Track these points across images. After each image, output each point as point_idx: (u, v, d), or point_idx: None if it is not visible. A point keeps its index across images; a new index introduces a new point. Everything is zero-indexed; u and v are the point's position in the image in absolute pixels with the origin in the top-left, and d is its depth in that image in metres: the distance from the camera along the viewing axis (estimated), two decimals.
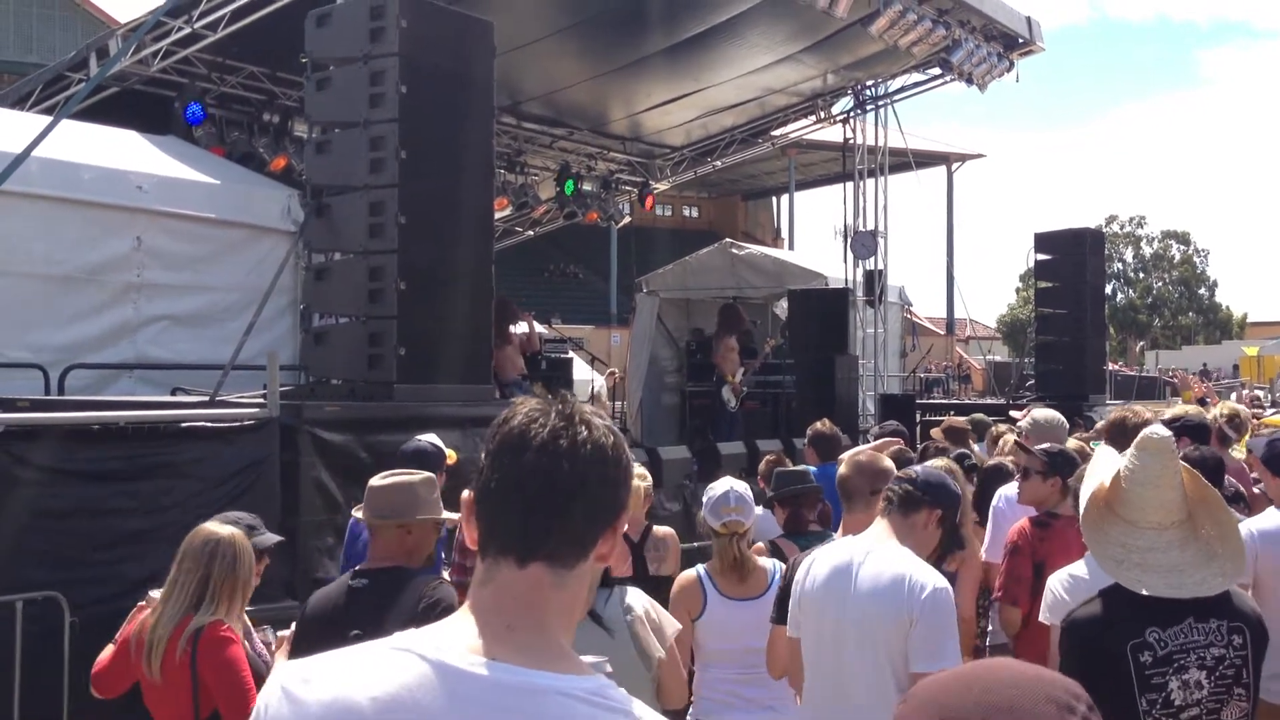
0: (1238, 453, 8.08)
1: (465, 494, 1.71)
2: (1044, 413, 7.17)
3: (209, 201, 10.53)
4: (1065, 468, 5.55)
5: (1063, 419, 7.06)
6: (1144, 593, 3.24)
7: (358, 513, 4.67)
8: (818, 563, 4.10)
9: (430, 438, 6.50)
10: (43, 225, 9.57)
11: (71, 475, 6.84)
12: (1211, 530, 3.36)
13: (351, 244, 8.70)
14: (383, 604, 4.00)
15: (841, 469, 4.96)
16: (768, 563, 5.15)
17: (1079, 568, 4.27)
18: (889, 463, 5.03)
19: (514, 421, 1.65)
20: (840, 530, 4.80)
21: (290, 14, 10.54)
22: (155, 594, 4.55)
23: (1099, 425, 6.25)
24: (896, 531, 4.01)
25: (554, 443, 1.62)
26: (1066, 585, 4.22)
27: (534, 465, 1.61)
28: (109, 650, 4.60)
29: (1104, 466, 3.58)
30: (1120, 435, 5.36)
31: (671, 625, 4.20)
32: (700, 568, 5.12)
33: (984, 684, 1.38)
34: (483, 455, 1.67)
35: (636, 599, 4.13)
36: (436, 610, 4.00)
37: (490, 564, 1.61)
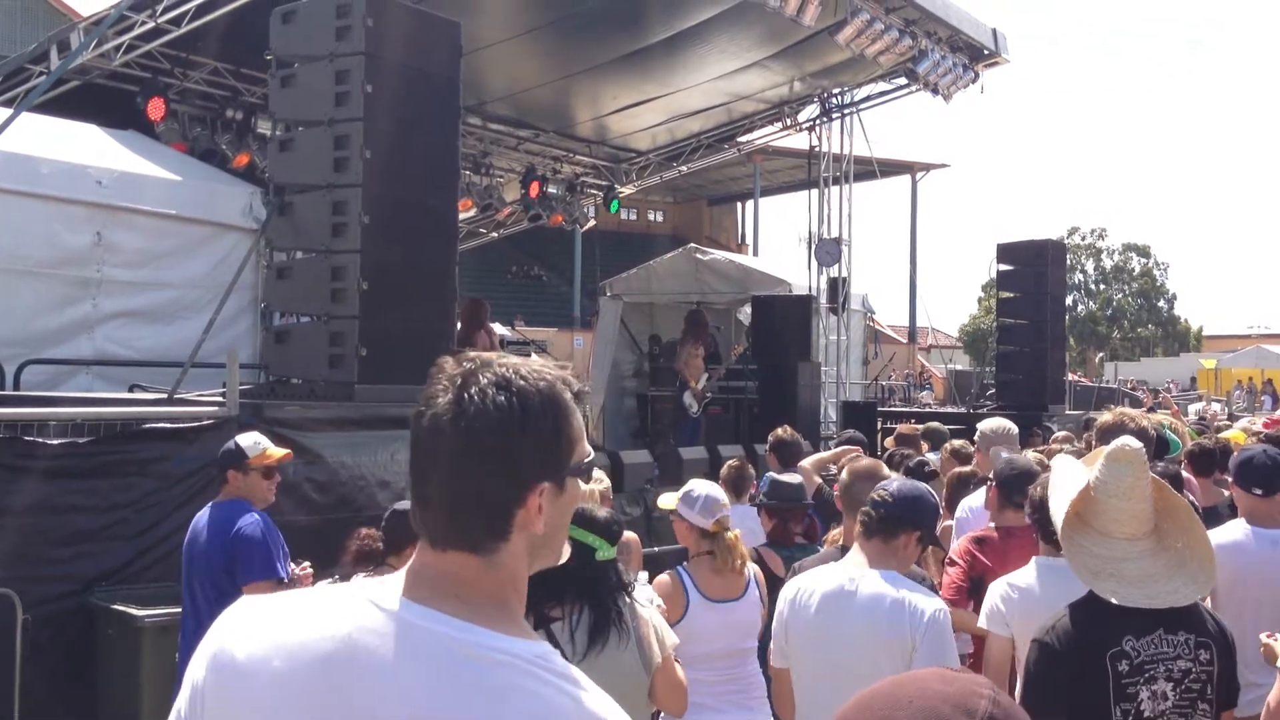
0: None
1: None
2: (993, 422, 7.16)
3: (170, 198, 10.43)
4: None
5: (1013, 428, 7.05)
6: (1116, 602, 3.27)
7: None
8: (804, 591, 4.00)
9: (247, 437, 5.84)
10: (1, 219, 9.46)
11: (26, 472, 6.76)
12: (1180, 540, 3.39)
13: (314, 243, 8.65)
14: None
15: (843, 476, 4.96)
16: (747, 566, 5.19)
17: (1021, 577, 4.27)
18: (887, 471, 5.06)
19: (423, 403, 1.61)
20: (842, 538, 4.81)
21: (255, 10, 10.45)
22: None
23: (1097, 424, 6.23)
24: (879, 554, 3.93)
25: (443, 431, 1.57)
26: (1004, 594, 4.24)
27: (427, 459, 1.59)
28: None
29: (1071, 478, 3.60)
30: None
31: (671, 639, 4.15)
32: (680, 569, 5.12)
33: (883, 697, 1.37)
34: None
35: (644, 607, 4.12)
36: None
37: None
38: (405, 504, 5.42)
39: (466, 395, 1.57)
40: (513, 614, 1.61)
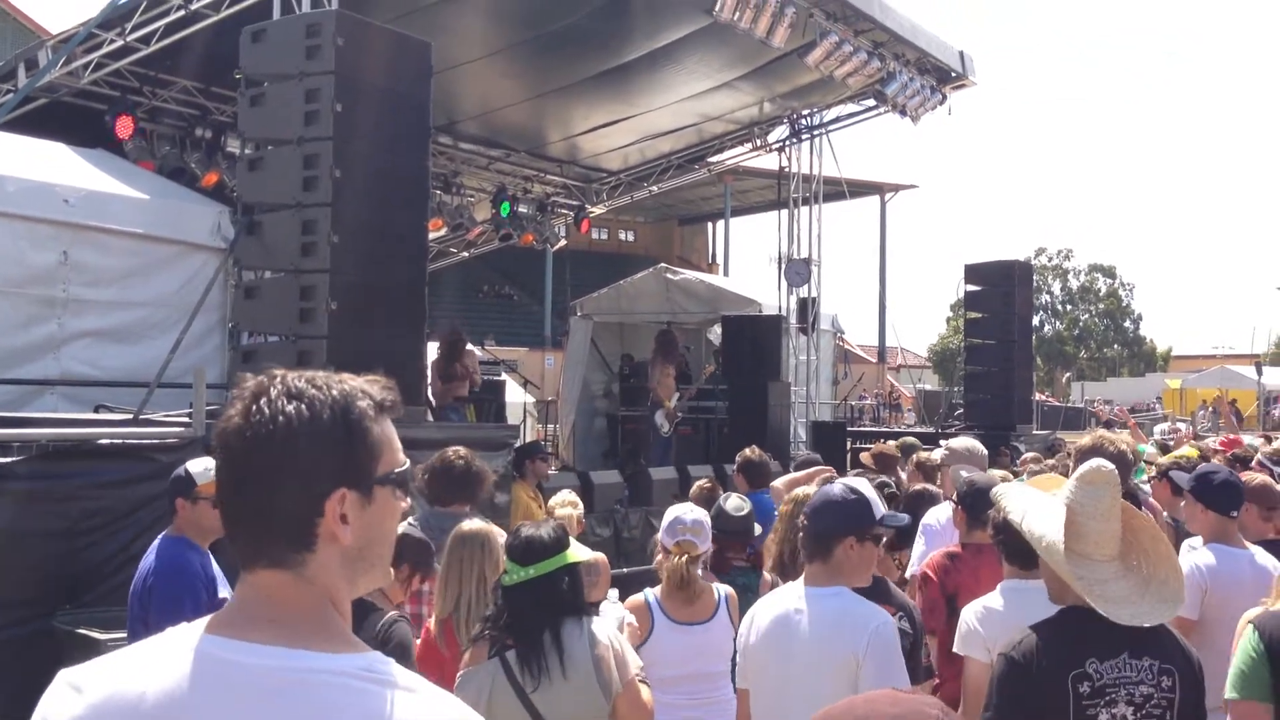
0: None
1: None
2: (962, 440, 7.16)
3: (137, 216, 10.34)
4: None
5: (981, 447, 7.05)
6: (1121, 622, 3.26)
7: None
8: (760, 613, 4.03)
9: (199, 462, 5.32)
10: None
11: None
12: (1139, 559, 3.40)
13: (283, 262, 8.61)
14: None
15: None
16: (716, 588, 5.18)
17: (993, 599, 4.31)
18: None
19: (220, 422, 1.63)
20: None
21: (225, 29, 10.43)
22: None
23: (1076, 446, 6.27)
24: (824, 574, 3.91)
25: (232, 445, 1.59)
26: (979, 616, 4.27)
27: (223, 475, 1.61)
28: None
29: (1046, 502, 3.60)
30: None
31: (635, 661, 4.11)
32: (649, 592, 5.13)
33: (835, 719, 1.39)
34: None
35: (603, 629, 4.06)
36: (389, 646, 3.95)
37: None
38: None
39: (255, 407, 1.58)
40: (333, 630, 1.59)
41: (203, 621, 1.60)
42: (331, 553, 1.60)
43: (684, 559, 5.03)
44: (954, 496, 5.83)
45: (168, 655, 1.55)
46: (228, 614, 1.60)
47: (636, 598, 5.14)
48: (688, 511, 5.23)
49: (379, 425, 1.65)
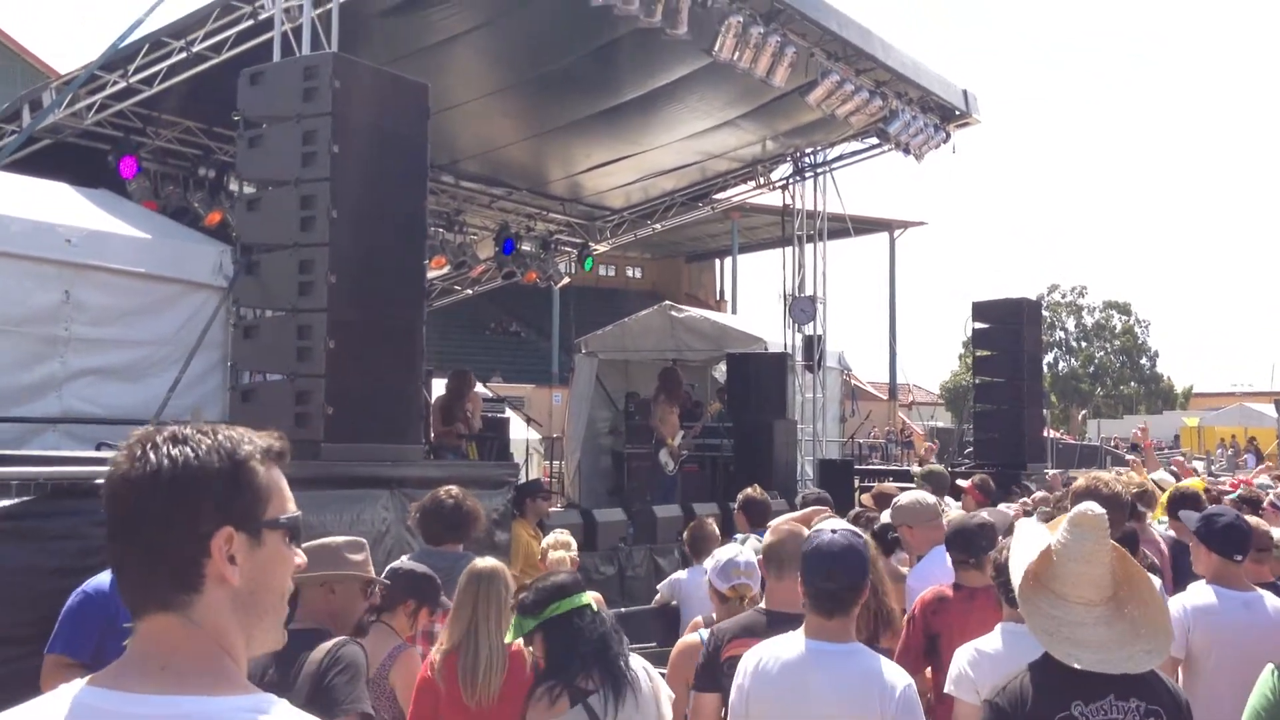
0: (1159, 525, 8.17)
1: None
2: (909, 495, 6.63)
3: (139, 256, 10.39)
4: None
5: (931, 502, 6.54)
6: (1076, 666, 3.25)
7: None
8: (766, 661, 3.87)
9: None
10: None
11: None
12: (1136, 610, 3.38)
13: (281, 302, 8.67)
14: (290, 666, 3.89)
15: (768, 536, 4.94)
16: None
17: (987, 642, 4.29)
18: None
19: (109, 468, 1.64)
20: (765, 600, 4.76)
21: (227, 70, 10.52)
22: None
23: (1070, 487, 6.21)
24: (842, 629, 3.82)
25: (118, 490, 1.59)
26: (971, 659, 4.24)
27: (111, 522, 1.61)
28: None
29: (1032, 539, 3.60)
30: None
31: (668, 692, 4.22)
32: (704, 632, 5.11)
33: None
34: None
35: (645, 663, 4.17)
36: (338, 668, 3.91)
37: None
38: (400, 563, 5.41)
39: (140, 452, 1.60)
40: (225, 674, 1.59)
41: (99, 675, 1.60)
42: (220, 595, 1.60)
43: (744, 602, 5.02)
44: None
45: (47, 711, 1.54)
46: (116, 666, 1.59)
47: (692, 638, 5.09)
48: (740, 554, 5.23)
49: (266, 470, 1.66)
